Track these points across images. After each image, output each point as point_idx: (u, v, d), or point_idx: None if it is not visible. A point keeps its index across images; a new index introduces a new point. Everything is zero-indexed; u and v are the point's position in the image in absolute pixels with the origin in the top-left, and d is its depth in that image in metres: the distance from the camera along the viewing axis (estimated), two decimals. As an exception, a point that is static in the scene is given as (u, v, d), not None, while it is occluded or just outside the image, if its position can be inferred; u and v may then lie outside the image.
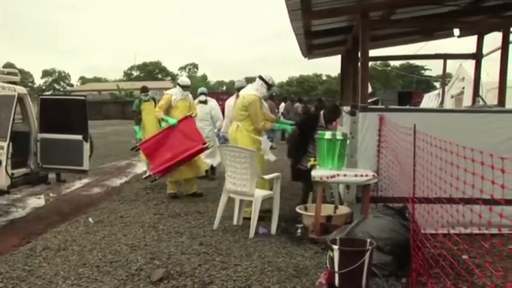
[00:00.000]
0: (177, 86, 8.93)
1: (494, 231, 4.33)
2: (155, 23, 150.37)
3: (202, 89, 10.92)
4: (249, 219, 6.28)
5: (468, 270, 4.35)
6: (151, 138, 8.75)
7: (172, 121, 8.32)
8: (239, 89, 8.95)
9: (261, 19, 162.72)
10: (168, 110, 8.62)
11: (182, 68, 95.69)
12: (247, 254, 5.25)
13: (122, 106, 47.93)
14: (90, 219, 6.87)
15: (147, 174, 10.19)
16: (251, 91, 7.10)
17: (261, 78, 7.06)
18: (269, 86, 7.11)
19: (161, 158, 8.24)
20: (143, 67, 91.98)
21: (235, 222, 6.51)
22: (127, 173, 12.24)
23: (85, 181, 10.78)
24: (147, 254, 5.23)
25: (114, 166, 13.55)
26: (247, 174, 6.07)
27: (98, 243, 5.71)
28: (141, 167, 11.92)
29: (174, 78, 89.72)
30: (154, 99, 10.72)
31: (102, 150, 15.88)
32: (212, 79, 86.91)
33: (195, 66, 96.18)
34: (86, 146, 7.84)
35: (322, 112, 7.49)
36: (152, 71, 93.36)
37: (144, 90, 10.74)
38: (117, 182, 10.83)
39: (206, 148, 8.45)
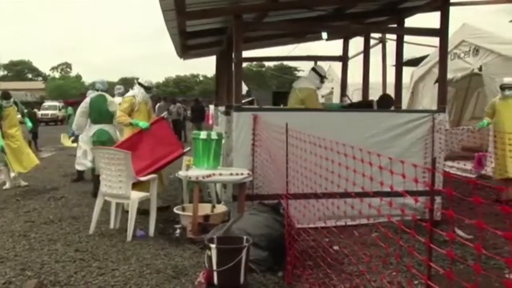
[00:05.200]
0: (137, 86, 7.75)
1: (364, 221, 4.64)
2: (23, 20, 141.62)
3: (91, 91, 10.52)
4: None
5: (338, 259, 4.61)
6: (116, 146, 7.45)
7: (144, 124, 7.18)
8: (99, 90, 8.73)
9: (138, 18, 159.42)
10: (129, 114, 7.51)
11: (54, 68, 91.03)
12: (125, 258, 5.12)
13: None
14: (-52, 232, 6.30)
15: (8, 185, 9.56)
16: (306, 84, 7.17)
17: (314, 70, 7.23)
18: (321, 77, 7.24)
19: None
20: (10, 66, 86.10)
21: (112, 226, 6.32)
22: (-7, 180, 11.37)
23: None
24: (17, 265, 4.88)
25: (-23, 173, 12.53)
26: (123, 177, 5.93)
27: (-41, 257, 5.23)
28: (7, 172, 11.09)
29: (46, 78, 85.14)
30: (16, 104, 10.06)
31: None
32: (87, 79, 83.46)
33: (68, 66, 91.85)
34: None
35: (375, 101, 7.69)
36: (21, 71, 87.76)
37: (5, 97, 9.75)
38: (-19, 190, 10.01)
39: (184, 153, 7.38)
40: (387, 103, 7.80)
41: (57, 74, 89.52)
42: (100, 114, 8.53)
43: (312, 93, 7.30)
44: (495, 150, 8.01)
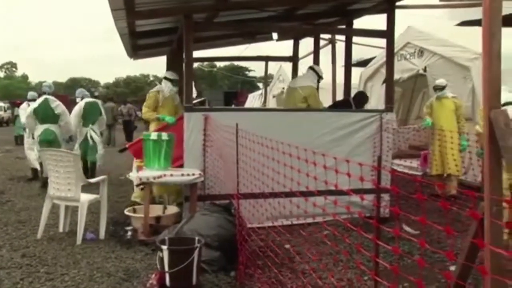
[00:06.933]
0: (164, 81, 7.66)
1: (310, 220, 4.72)
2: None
3: (32, 93, 10.39)
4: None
5: (290, 258, 4.67)
6: (140, 139, 7.27)
7: (171, 119, 7.07)
8: (51, 92, 9.13)
9: (87, 18, 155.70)
10: (155, 109, 7.44)
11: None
12: (75, 262, 5.02)
13: None
14: None
15: None
16: (307, 82, 7.28)
17: (312, 69, 7.36)
18: (319, 77, 7.40)
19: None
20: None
21: (61, 229, 6.17)
22: None
23: None
24: (-42, 273, 4.70)
25: None
26: (72, 179, 5.81)
27: None
28: None
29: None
30: None
31: None
32: (34, 79, 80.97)
33: (13, 65, 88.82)
34: None
35: (351, 98, 7.86)
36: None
37: None
38: None
39: None
40: (363, 100, 8.02)
41: (1, 74, 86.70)
42: (47, 115, 8.91)
43: (314, 90, 7.48)
44: (432, 147, 8.31)
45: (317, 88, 7.85)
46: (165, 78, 7.71)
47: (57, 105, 8.99)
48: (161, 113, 7.39)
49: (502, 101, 5.69)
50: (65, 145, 9.19)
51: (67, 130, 9.23)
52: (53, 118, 8.91)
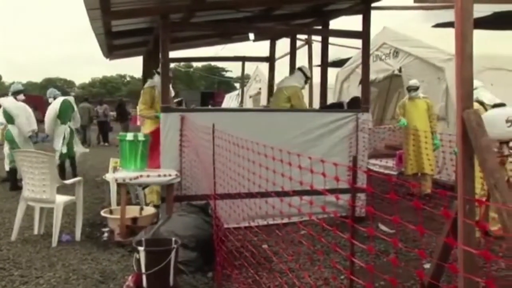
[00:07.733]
0: (157, 76, 7.37)
1: (286, 220, 4.74)
2: None
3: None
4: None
5: (267, 258, 4.68)
6: None
7: None
8: (14, 92, 9.29)
9: (63, 17, 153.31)
10: (151, 106, 7.26)
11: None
12: (50, 264, 4.95)
13: None
14: None
15: None
16: (292, 83, 7.29)
17: (301, 70, 7.39)
18: (307, 78, 7.44)
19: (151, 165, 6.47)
20: None
21: (36, 231, 6.09)
22: None
23: None
24: None
25: None
26: (47, 180, 5.74)
27: None
28: None
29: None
30: None
31: None
32: (8, 79, 79.60)
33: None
34: None
35: (346, 102, 7.80)
36: None
37: None
38: None
39: None
40: (357, 104, 8.08)
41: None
42: (7, 117, 9.22)
43: (298, 90, 7.50)
44: (407, 146, 8.42)
45: (302, 88, 7.88)
46: (158, 73, 7.44)
47: (9, 106, 9.19)
48: (157, 107, 7.10)
49: (487, 101, 5.82)
50: (38, 145, 9.21)
51: (22, 131, 9.23)
52: (11, 119, 9.16)
